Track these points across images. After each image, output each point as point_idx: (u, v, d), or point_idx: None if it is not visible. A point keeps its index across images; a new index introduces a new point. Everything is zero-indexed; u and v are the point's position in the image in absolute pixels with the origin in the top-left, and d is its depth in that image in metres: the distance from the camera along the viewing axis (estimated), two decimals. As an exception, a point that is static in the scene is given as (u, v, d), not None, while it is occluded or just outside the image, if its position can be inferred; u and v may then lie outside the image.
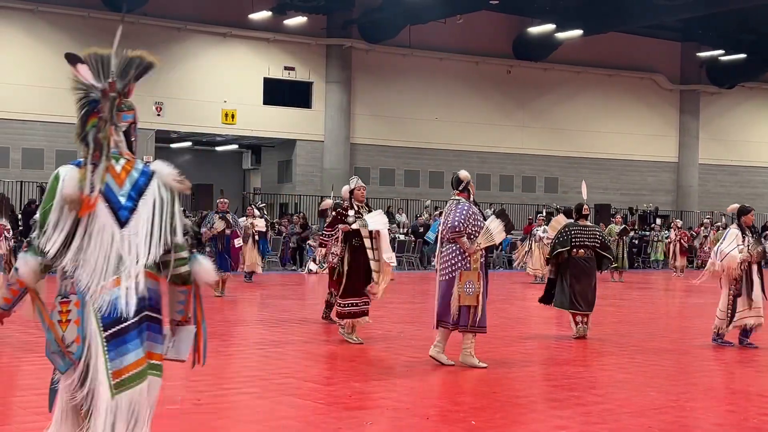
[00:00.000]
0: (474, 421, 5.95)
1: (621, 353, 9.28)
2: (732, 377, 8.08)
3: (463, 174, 8.30)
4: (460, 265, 8.00)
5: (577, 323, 10.27)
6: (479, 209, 8.40)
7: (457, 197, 8.22)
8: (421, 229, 25.74)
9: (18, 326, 10.45)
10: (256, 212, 19.58)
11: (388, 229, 9.87)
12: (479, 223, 8.12)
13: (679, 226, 25.51)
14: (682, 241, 24.83)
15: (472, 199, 8.31)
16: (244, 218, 18.88)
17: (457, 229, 7.99)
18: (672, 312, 14.82)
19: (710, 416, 6.31)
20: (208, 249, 14.82)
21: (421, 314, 12.07)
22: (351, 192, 9.61)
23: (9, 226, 9.22)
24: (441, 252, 8.17)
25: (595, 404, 6.60)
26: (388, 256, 9.42)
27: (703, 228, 29.79)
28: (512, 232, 8.46)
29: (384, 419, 6.08)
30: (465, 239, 7.98)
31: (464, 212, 8.05)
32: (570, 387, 7.38)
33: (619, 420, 6.05)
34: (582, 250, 10.29)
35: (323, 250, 11.75)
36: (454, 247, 8.05)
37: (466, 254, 7.99)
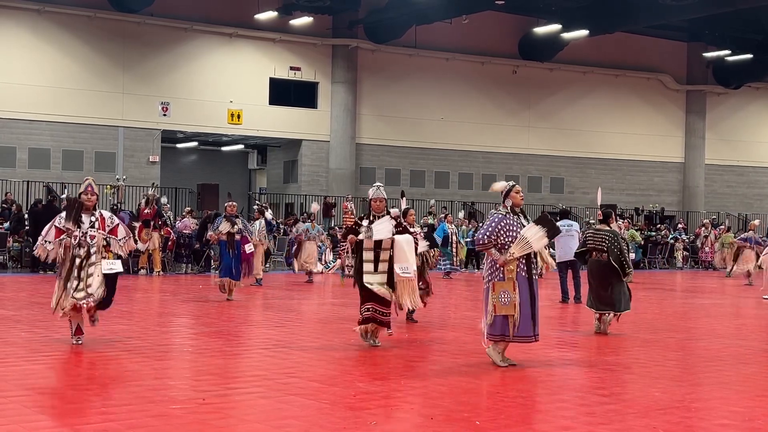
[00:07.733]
0: (478, 421, 5.96)
1: (625, 353, 9.28)
2: (737, 377, 8.06)
3: (495, 188, 8.28)
4: (494, 275, 8.03)
5: (598, 320, 10.75)
6: (524, 217, 8.19)
7: (501, 208, 8.21)
8: (425, 229, 25.63)
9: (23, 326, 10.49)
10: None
11: (413, 235, 9.27)
12: (513, 233, 7.99)
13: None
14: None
15: (510, 207, 8.13)
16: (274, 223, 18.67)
17: (480, 242, 8.04)
18: (677, 312, 14.79)
19: (715, 417, 6.30)
20: (213, 254, 14.69)
21: (426, 314, 12.06)
22: (369, 201, 9.36)
23: (75, 231, 8.60)
24: (485, 262, 8.34)
25: (600, 405, 6.59)
26: (401, 266, 8.87)
27: (704, 228, 29.68)
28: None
29: (388, 419, 6.08)
30: (494, 251, 7.97)
31: (492, 224, 8.04)
32: (574, 387, 7.38)
33: (624, 420, 6.05)
34: (595, 253, 10.81)
35: (340, 261, 11.60)
36: (491, 258, 8.12)
37: (498, 265, 7.99)
